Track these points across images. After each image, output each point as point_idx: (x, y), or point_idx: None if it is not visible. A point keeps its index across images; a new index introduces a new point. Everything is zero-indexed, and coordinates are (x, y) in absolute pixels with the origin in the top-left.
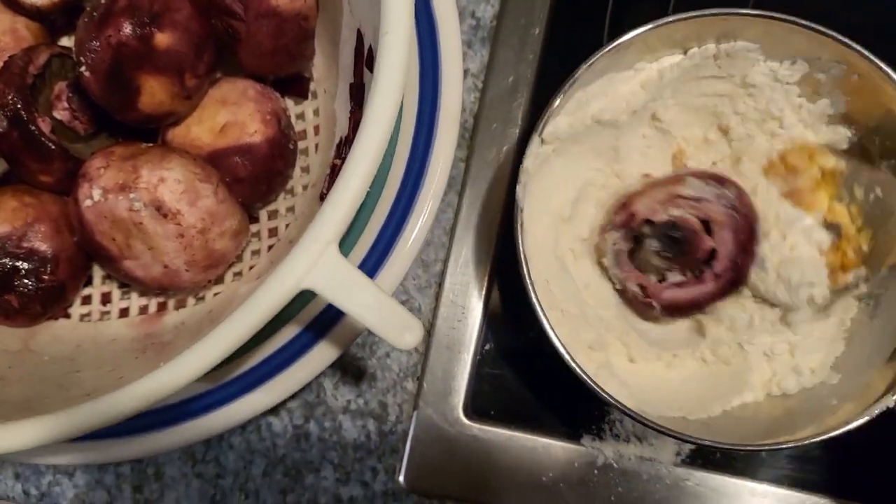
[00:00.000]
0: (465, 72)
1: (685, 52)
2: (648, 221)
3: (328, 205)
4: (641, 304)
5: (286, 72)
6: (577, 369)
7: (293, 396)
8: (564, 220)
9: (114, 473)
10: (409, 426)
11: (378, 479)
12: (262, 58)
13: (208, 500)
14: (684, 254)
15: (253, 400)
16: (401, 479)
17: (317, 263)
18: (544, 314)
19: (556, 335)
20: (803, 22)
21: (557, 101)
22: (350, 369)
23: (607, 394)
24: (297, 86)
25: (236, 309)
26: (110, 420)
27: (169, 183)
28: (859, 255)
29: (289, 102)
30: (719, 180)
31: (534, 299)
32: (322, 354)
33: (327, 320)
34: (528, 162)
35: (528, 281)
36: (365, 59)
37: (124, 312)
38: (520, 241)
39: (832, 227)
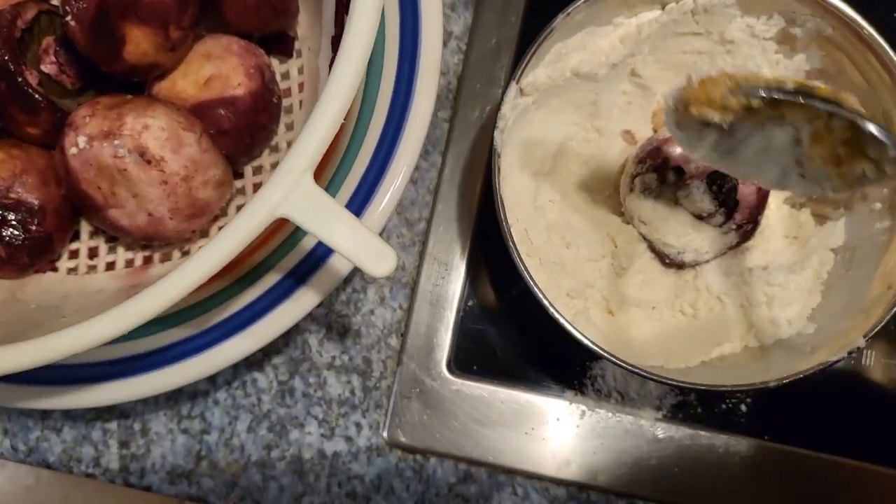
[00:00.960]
0: (449, 34)
1: (663, 8)
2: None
3: (303, 135)
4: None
5: (271, 28)
6: (555, 313)
7: (278, 352)
8: (545, 173)
9: (101, 429)
10: (392, 382)
11: (362, 435)
12: (246, 13)
13: (194, 456)
14: (731, 201)
15: (236, 344)
16: (384, 434)
17: (292, 191)
18: (521, 260)
19: (533, 281)
20: None
21: (534, 50)
22: (335, 326)
23: (584, 336)
24: (281, 44)
25: (215, 238)
26: (85, 345)
27: (153, 130)
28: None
29: (274, 62)
30: None
31: (510, 244)
32: (304, 299)
33: (309, 266)
34: (506, 108)
35: (505, 226)
36: (346, 7)
37: (111, 266)
38: (497, 188)
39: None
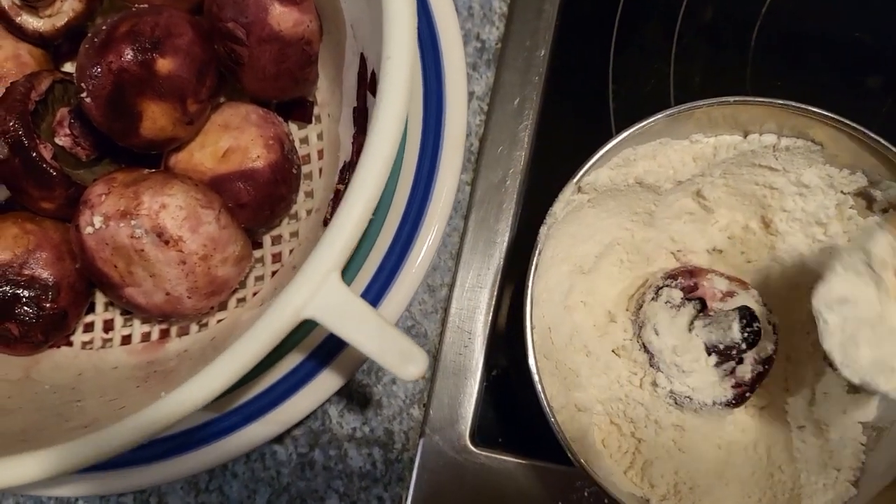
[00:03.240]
0: (471, 94)
1: (745, 136)
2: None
3: (329, 233)
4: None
5: (289, 96)
6: (554, 425)
7: (298, 424)
8: (584, 272)
9: (115, 503)
10: (415, 454)
11: None
12: (264, 82)
13: None
14: (754, 342)
15: (257, 429)
16: None
17: (318, 292)
18: (535, 360)
19: (541, 386)
20: (872, 135)
21: (602, 153)
22: (356, 396)
23: (574, 456)
24: (300, 110)
25: (237, 339)
26: (109, 454)
27: (170, 209)
28: None
29: (292, 127)
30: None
31: (529, 344)
32: (326, 382)
33: (331, 347)
34: (558, 207)
35: (528, 322)
36: (368, 84)
37: (126, 340)
38: (530, 283)
39: None
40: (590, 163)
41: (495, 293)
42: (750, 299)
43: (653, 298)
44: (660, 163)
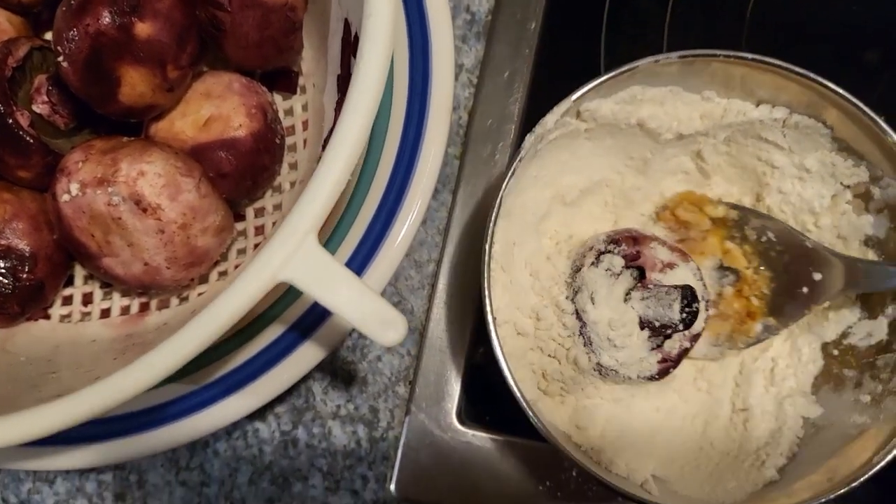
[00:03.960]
0: (460, 67)
1: (757, 105)
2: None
3: (307, 193)
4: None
5: (273, 65)
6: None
7: (281, 401)
8: (565, 203)
9: (95, 481)
10: (400, 432)
11: (368, 488)
12: (247, 50)
13: None
14: (690, 323)
15: (237, 402)
16: (392, 487)
17: (295, 254)
18: (503, 356)
19: (501, 350)
20: (882, 123)
21: (607, 78)
22: (340, 373)
23: (540, 422)
24: (285, 80)
25: (211, 302)
26: (77, 419)
27: (149, 177)
28: (764, 301)
29: (277, 98)
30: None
31: (485, 280)
32: (308, 355)
33: (313, 320)
34: (550, 119)
35: (492, 222)
36: (352, 48)
37: (105, 313)
38: (502, 192)
39: (729, 271)
40: (595, 82)
41: (484, 269)
42: (689, 273)
43: (593, 263)
44: (666, 110)
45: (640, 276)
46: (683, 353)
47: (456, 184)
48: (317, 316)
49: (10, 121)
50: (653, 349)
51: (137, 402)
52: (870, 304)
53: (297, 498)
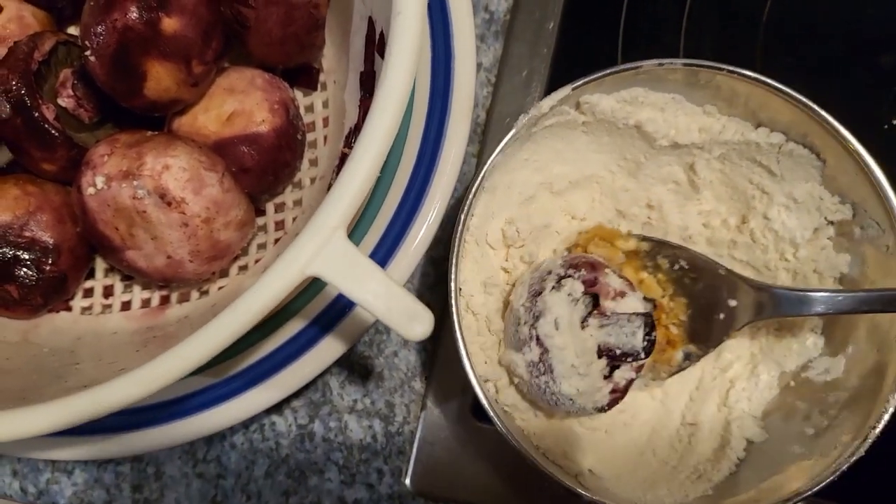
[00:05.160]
0: (478, 66)
1: (756, 127)
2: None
3: (336, 189)
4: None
5: (296, 61)
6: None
7: (298, 395)
8: (553, 191)
9: (113, 472)
10: (416, 427)
11: (384, 482)
12: (270, 46)
13: (209, 501)
14: (649, 352)
15: (257, 395)
16: (407, 481)
17: (323, 249)
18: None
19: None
20: (874, 167)
21: (610, 72)
22: (357, 368)
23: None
24: (306, 77)
25: (240, 296)
26: (106, 409)
27: (173, 171)
28: (682, 329)
29: (298, 94)
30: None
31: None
32: (328, 349)
33: (334, 314)
34: (547, 103)
35: (475, 190)
36: (376, 46)
37: (126, 306)
38: (489, 165)
39: (646, 301)
40: (597, 75)
41: (455, 239)
42: (638, 301)
43: (554, 288)
44: (666, 117)
45: (594, 303)
46: (629, 383)
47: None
48: (338, 311)
49: (36, 114)
50: (605, 378)
51: (158, 394)
52: (833, 342)
53: (312, 491)
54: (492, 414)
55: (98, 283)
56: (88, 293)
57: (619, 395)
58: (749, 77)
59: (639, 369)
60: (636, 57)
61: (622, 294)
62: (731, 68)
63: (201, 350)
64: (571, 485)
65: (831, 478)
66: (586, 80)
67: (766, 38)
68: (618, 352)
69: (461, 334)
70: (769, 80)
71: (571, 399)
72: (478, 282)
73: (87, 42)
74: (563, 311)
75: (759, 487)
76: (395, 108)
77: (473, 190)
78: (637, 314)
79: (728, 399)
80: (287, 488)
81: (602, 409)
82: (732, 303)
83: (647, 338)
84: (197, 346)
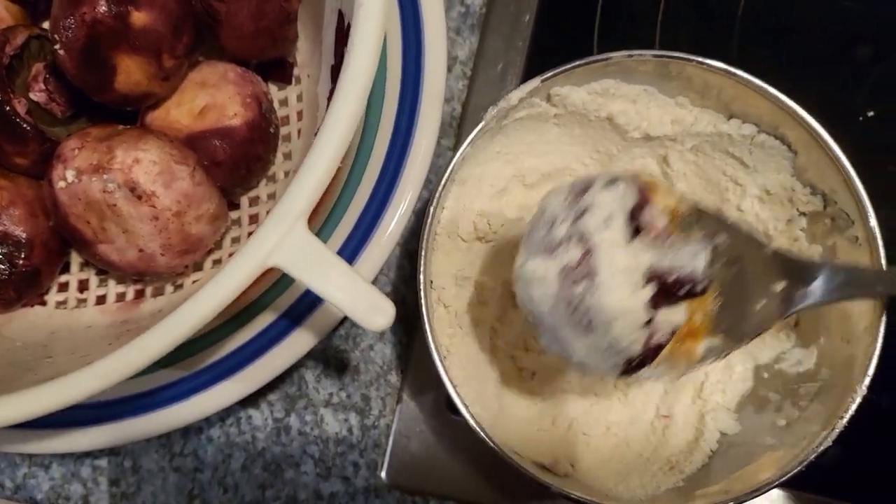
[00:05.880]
0: (454, 59)
1: (728, 118)
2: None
3: (297, 181)
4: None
5: (269, 55)
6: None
7: (274, 388)
8: (525, 184)
9: (90, 466)
10: (392, 420)
11: (360, 475)
12: (242, 40)
13: (186, 495)
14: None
15: (228, 388)
16: (383, 474)
17: (284, 239)
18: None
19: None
20: (842, 159)
21: (580, 64)
22: (332, 362)
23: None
24: (280, 70)
25: (202, 286)
26: (73, 399)
27: (144, 164)
28: (707, 319)
29: (272, 88)
30: None
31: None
32: (299, 342)
33: (304, 307)
34: (515, 96)
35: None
36: (346, 39)
37: (101, 300)
38: (460, 157)
39: None
40: (566, 67)
41: (424, 231)
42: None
43: (606, 186)
44: (637, 109)
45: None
46: (669, 337)
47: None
48: (308, 303)
49: (8, 108)
50: (644, 324)
51: (131, 386)
52: (804, 333)
53: (289, 484)
54: (461, 406)
55: (73, 277)
56: (63, 287)
57: (652, 350)
58: (717, 68)
59: (671, 333)
60: (612, 50)
61: (668, 234)
62: (700, 59)
63: (163, 340)
64: (540, 477)
65: (798, 468)
66: (555, 71)
67: (741, 32)
68: (672, 277)
69: (430, 327)
70: (737, 71)
71: (608, 322)
72: (450, 275)
73: (56, 36)
74: (615, 210)
75: (730, 478)
76: (356, 98)
77: (443, 182)
78: (704, 234)
79: (703, 391)
80: (263, 481)
81: (628, 366)
82: (778, 287)
83: (710, 266)
84: (159, 336)
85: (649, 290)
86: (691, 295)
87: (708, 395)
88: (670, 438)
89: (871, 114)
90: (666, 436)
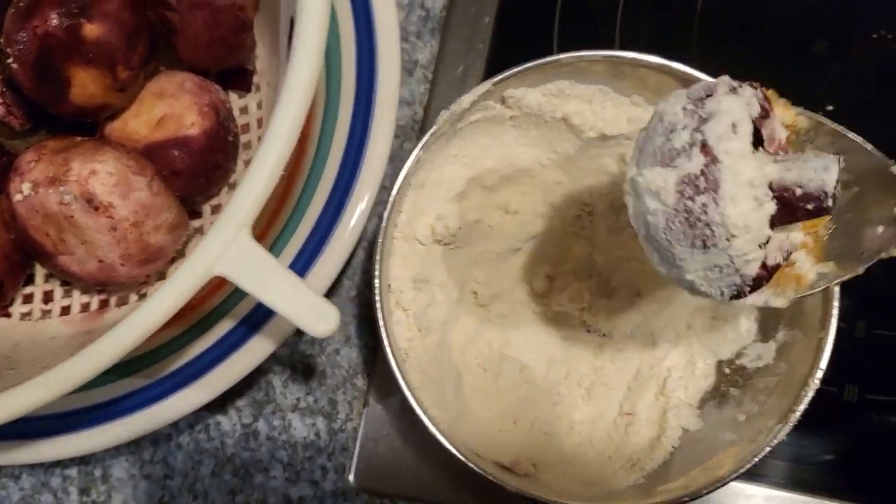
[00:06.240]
0: (415, 63)
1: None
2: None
3: (240, 189)
4: None
5: (227, 64)
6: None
7: (241, 394)
8: (484, 186)
9: (60, 476)
10: (359, 423)
11: (328, 479)
12: (198, 49)
13: (156, 502)
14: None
15: (189, 395)
16: (351, 477)
17: (228, 249)
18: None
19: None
20: None
21: (532, 65)
22: (299, 367)
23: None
24: (241, 78)
25: (149, 297)
26: (19, 411)
27: (100, 175)
28: (819, 244)
29: (233, 96)
30: None
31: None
32: (258, 348)
33: (263, 314)
34: (466, 99)
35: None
36: None
37: (66, 310)
38: (415, 159)
39: None
40: (517, 69)
41: (380, 236)
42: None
43: (730, 91)
44: (593, 109)
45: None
46: (788, 255)
47: None
48: (266, 311)
49: None
50: (762, 245)
51: (92, 396)
52: (765, 327)
53: (258, 489)
54: (417, 409)
55: (38, 288)
56: (28, 299)
57: (769, 271)
58: (660, 66)
59: (788, 254)
60: (572, 49)
61: (785, 150)
62: (648, 59)
63: (109, 351)
64: (497, 477)
65: (754, 461)
66: (506, 74)
67: (700, 28)
68: (800, 192)
69: (387, 331)
70: (682, 67)
71: (729, 238)
72: (408, 278)
73: (9, 50)
74: (741, 117)
75: (690, 474)
76: (296, 108)
77: (397, 186)
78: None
79: (665, 388)
80: (233, 487)
81: (742, 288)
82: None
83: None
84: (105, 347)
85: (773, 205)
86: (818, 212)
87: (670, 391)
88: (633, 436)
89: (830, 108)
90: (629, 433)
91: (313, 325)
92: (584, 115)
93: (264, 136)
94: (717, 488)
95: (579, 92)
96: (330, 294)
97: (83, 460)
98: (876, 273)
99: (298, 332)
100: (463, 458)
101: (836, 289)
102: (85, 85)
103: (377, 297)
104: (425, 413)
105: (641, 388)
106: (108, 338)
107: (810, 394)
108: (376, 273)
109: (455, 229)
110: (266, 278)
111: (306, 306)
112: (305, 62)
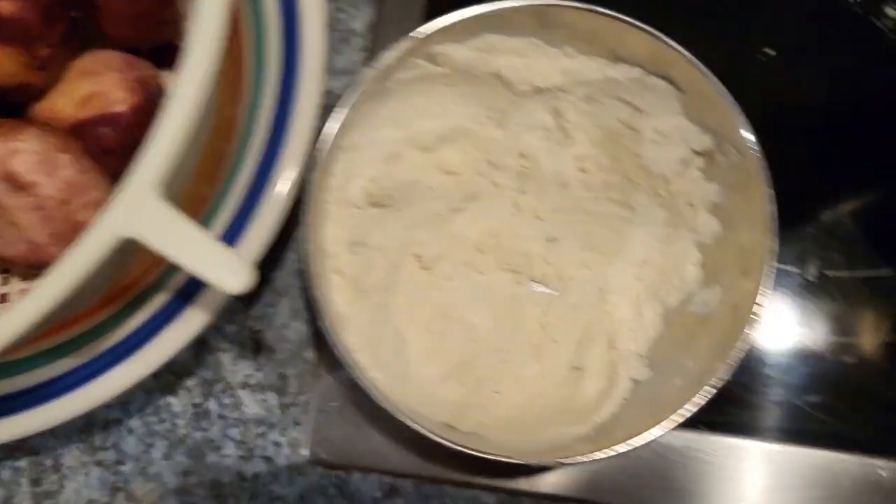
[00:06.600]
0: (351, 31)
1: (615, 63)
2: None
3: (147, 148)
4: None
5: (155, 39)
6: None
7: (191, 374)
8: (420, 147)
9: (10, 468)
10: (310, 397)
11: (281, 454)
12: (123, 26)
13: (109, 488)
14: None
15: (124, 371)
16: (305, 451)
17: (137, 210)
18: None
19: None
20: (723, 92)
21: (458, 20)
22: (248, 343)
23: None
24: (172, 55)
25: (55, 264)
26: None
27: (23, 154)
28: None
29: (167, 74)
30: None
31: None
32: (192, 320)
33: (196, 284)
34: (389, 56)
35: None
36: None
37: (4, 298)
38: (339, 122)
39: None
40: (441, 24)
41: (308, 200)
42: None
43: None
44: (526, 62)
45: None
46: None
47: None
48: (197, 282)
49: None
50: None
51: (27, 379)
52: (709, 272)
53: (212, 468)
54: (351, 370)
55: None
56: None
57: None
58: (581, 8)
59: None
60: None
61: None
62: (573, 4)
63: (13, 325)
64: (440, 435)
65: (700, 403)
66: (429, 29)
67: None
68: None
69: (317, 295)
70: (609, 12)
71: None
72: (343, 242)
73: None
74: None
75: (639, 423)
76: (203, 64)
77: (326, 150)
78: None
79: (615, 341)
80: (186, 468)
81: None
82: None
83: None
84: (12, 319)
85: None
86: None
87: (620, 343)
88: (583, 390)
89: (770, 51)
90: (579, 388)
91: (224, 280)
92: (517, 68)
93: (170, 97)
94: (661, 433)
95: (510, 46)
96: (275, 268)
97: (33, 451)
98: (828, 215)
99: (245, 306)
100: (403, 418)
101: (775, 228)
102: (2, 63)
103: (308, 262)
104: (363, 374)
105: (591, 342)
106: (12, 312)
107: (750, 333)
108: (305, 238)
109: (391, 190)
110: (176, 237)
111: (216, 262)
112: (211, 18)
